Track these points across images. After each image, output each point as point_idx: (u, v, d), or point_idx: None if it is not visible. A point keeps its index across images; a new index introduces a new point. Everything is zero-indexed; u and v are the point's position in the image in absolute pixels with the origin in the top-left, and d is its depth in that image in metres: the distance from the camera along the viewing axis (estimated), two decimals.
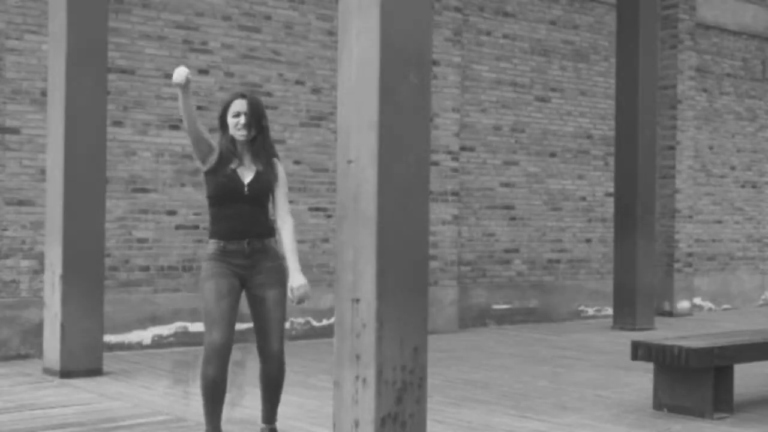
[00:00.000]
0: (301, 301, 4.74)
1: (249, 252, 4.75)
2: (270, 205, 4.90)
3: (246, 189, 4.75)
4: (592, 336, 10.40)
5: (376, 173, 4.45)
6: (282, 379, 4.90)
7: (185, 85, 4.58)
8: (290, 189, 9.28)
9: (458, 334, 10.50)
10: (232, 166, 4.77)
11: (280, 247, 4.85)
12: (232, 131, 4.78)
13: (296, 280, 4.73)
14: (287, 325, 9.38)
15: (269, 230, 4.83)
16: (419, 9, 4.61)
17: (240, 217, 4.74)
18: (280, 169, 4.90)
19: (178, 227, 8.99)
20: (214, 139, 4.88)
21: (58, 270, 7.26)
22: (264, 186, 4.80)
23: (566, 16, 12.19)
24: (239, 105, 4.77)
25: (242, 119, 4.75)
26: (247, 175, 4.79)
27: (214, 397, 4.68)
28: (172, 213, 8.96)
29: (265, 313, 4.77)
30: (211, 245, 4.78)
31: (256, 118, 4.78)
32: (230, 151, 4.78)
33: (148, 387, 6.86)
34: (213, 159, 4.79)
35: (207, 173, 4.81)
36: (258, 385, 5.00)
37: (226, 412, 5.06)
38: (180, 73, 4.54)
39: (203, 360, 4.65)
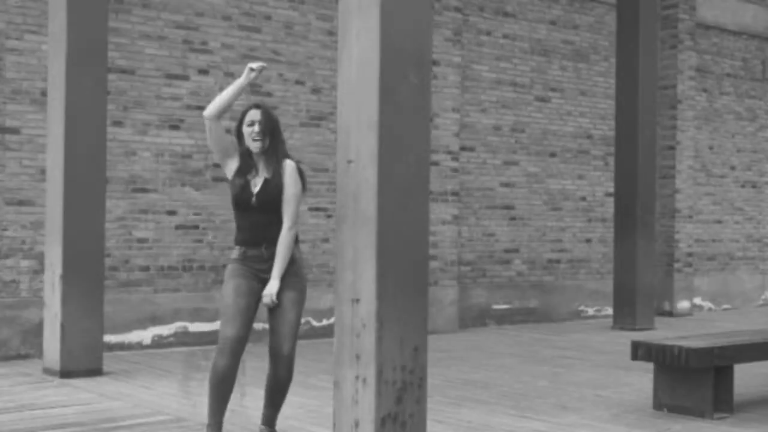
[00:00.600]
0: (267, 305, 4.87)
1: (267, 257, 4.89)
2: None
3: (254, 199, 4.88)
4: (592, 336, 10.39)
5: (376, 173, 4.45)
6: (288, 383, 4.96)
7: (253, 72, 4.84)
8: None
9: (458, 334, 10.50)
10: (248, 176, 4.93)
11: (298, 252, 4.96)
12: (246, 141, 4.92)
13: (268, 287, 4.85)
14: None
15: None
16: (419, 9, 4.61)
17: (254, 225, 4.90)
18: (288, 172, 4.93)
19: (178, 227, 8.99)
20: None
21: (58, 270, 7.26)
22: (271, 195, 4.89)
23: (566, 16, 12.19)
24: (253, 115, 4.92)
25: (256, 128, 4.88)
26: (257, 185, 4.91)
27: (221, 390, 4.78)
28: (172, 213, 8.96)
29: (279, 315, 4.87)
30: (235, 251, 4.97)
31: (270, 127, 4.92)
32: (247, 161, 4.94)
33: (148, 387, 6.85)
34: (234, 167, 4.98)
35: (230, 181, 4.99)
36: (261, 386, 5.04)
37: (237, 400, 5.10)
38: (259, 65, 4.86)
39: (216, 352, 4.78)
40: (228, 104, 4.87)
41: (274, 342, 4.88)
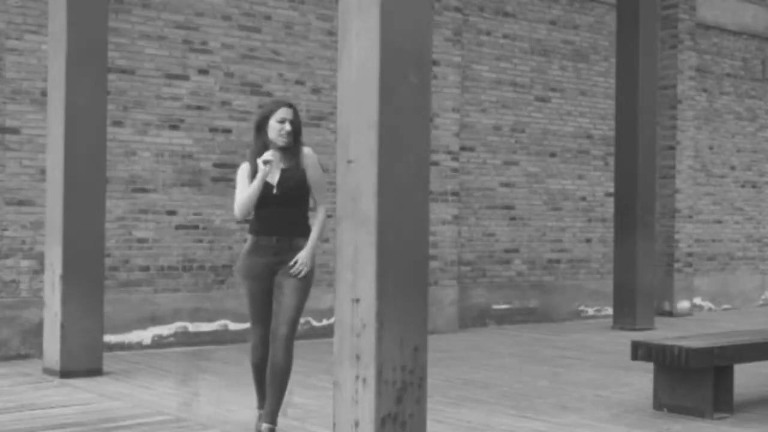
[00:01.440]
0: (297, 273, 5.06)
1: (277, 250, 5.10)
2: (310, 203, 5.27)
3: (275, 189, 5.08)
4: (592, 336, 10.39)
5: (376, 173, 4.45)
6: (286, 368, 5.08)
7: (267, 165, 5.01)
8: None
9: (458, 334, 10.50)
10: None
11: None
12: (273, 135, 5.10)
13: (300, 254, 5.08)
14: None
15: (300, 230, 5.16)
16: (419, 9, 4.61)
17: (271, 217, 5.12)
18: (311, 158, 5.16)
19: (178, 227, 8.99)
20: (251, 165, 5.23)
21: (58, 270, 7.26)
22: (291, 181, 5.09)
23: (566, 16, 12.19)
24: (285, 112, 5.13)
25: (287, 126, 5.10)
26: (274, 177, 5.09)
27: (257, 378, 5.27)
28: (172, 213, 8.95)
29: (281, 300, 5.07)
30: (248, 240, 5.20)
31: (298, 127, 5.16)
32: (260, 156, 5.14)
33: (148, 387, 6.86)
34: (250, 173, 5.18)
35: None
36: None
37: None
38: (269, 156, 5.01)
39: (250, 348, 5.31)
40: (252, 204, 5.07)
41: (274, 324, 5.09)
